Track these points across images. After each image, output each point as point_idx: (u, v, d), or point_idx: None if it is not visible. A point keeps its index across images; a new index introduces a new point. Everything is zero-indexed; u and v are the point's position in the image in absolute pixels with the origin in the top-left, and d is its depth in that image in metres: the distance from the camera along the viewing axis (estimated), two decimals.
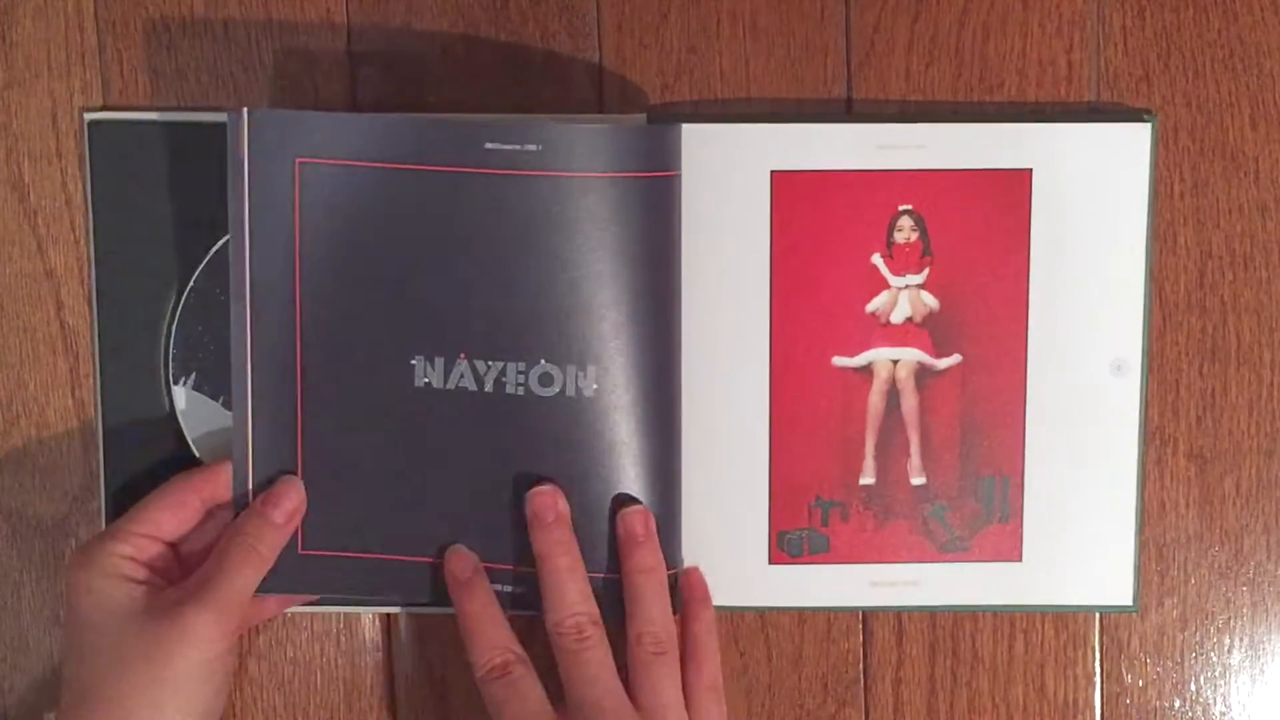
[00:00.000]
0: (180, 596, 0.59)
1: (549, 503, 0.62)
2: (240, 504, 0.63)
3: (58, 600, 0.67)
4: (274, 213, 0.62)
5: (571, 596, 0.61)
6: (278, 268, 0.62)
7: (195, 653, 0.58)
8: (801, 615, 0.67)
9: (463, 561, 0.62)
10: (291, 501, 0.62)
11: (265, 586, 0.63)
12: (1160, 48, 0.65)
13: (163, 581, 0.61)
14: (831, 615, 0.67)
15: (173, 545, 0.62)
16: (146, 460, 0.66)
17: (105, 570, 0.60)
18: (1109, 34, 0.65)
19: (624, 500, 0.62)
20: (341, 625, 0.67)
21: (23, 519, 0.67)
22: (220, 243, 0.65)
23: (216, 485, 0.63)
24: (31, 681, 0.68)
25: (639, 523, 0.62)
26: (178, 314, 0.65)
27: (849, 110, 0.65)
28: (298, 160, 0.61)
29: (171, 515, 0.62)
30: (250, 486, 0.63)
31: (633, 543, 0.62)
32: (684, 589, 0.64)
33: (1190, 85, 0.65)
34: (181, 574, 0.62)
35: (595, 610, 0.61)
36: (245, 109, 0.61)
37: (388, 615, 0.67)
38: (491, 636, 0.61)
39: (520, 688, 0.60)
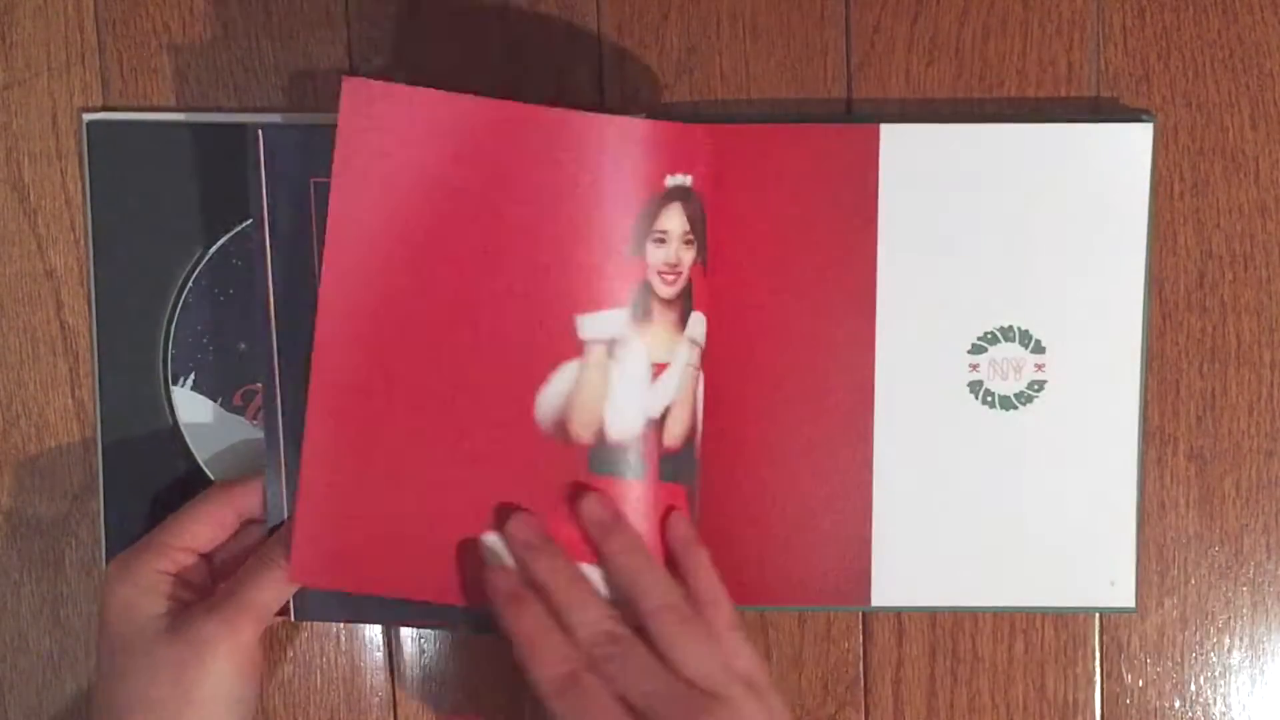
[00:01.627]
0: (197, 614, 0.59)
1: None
2: (275, 527, 0.63)
3: (58, 600, 0.67)
4: (292, 232, 0.61)
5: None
6: (299, 287, 0.62)
7: (215, 669, 0.58)
8: (801, 615, 0.67)
9: (505, 577, 0.59)
10: None
11: (303, 614, 0.63)
12: (1160, 48, 0.65)
13: (194, 597, 0.61)
14: (831, 615, 0.67)
15: (206, 557, 0.62)
16: (146, 460, 0.66)
17: (143, 587, 0.60)
18: (1109, 34, 0.65)
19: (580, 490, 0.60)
20: (341, 625, 0.67)
21: (23, 519, 0.67)
22: (219, 243, 0.65)
23: (251, 498, 0.63)
24: (31, 681, 0.68)
25: (605, 508, 0.59)
26: (176, 314, 0.65)
27: (849, 110, 0.65)
28: (313, 180, 0.61)
29: (208, 527, 0.62)
30: (284, 504, 0.63)
31: (601, 528, 0.59)
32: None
33: (1190, 85, 0.65)
34: (214, 588, 0.62)
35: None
36: (260, 127, 0.61)
37: None
38: (551, 647, 0.57)
39: (595, 696, 0.56)
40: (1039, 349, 0.64)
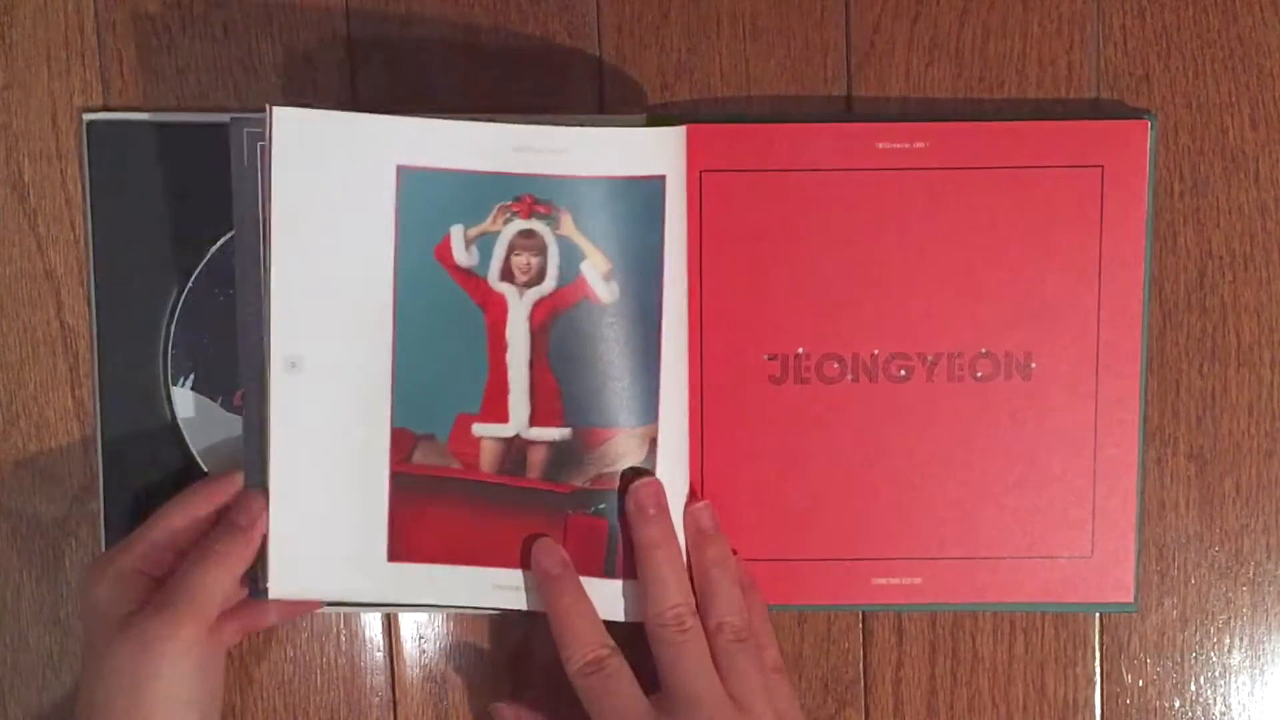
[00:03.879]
0: (141, 613, 0.59)
1: (654, 492, 0.62)
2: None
3: (58, 600, 0.67)
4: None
5: (672, 588, 0.61)
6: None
7: (166, 669, 0.57)
8: (801, 615, 0.67)
9: (551, 555, 0.62)
10: (254, 507, 0.61)
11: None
12: (1160, 48, 0.65)
13: None
14: (831, 615, 0.67)
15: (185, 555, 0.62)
16: (146, 460, 0.66)
17: (112, 584, 0.60)
18: (1109, 34, 0.65)
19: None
20: (341, 625, 0.67)
21: (23, 519, 0.67)
22: (219, 243, 0.65)
23: (230, 494, 0.62)
24: (31, 681, 0.68)
25: (705, 515, 0.63)
26: (177, 314, 0.65)
27: (849, 110, 0.65)
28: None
29: (185, 523, 0.61)
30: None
31: (703, 535, 0.62)
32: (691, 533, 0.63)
33: (1190, 85, 0.65)
34: None
35: (693, 602, 0.61)
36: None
37: (389, 615, 0.67)
38: (585, 632, 0.60)
39: (617, 682, 0.59)
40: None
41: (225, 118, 0.65)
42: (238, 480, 0.63)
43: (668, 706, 0.59)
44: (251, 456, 0.62)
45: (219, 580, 0.60)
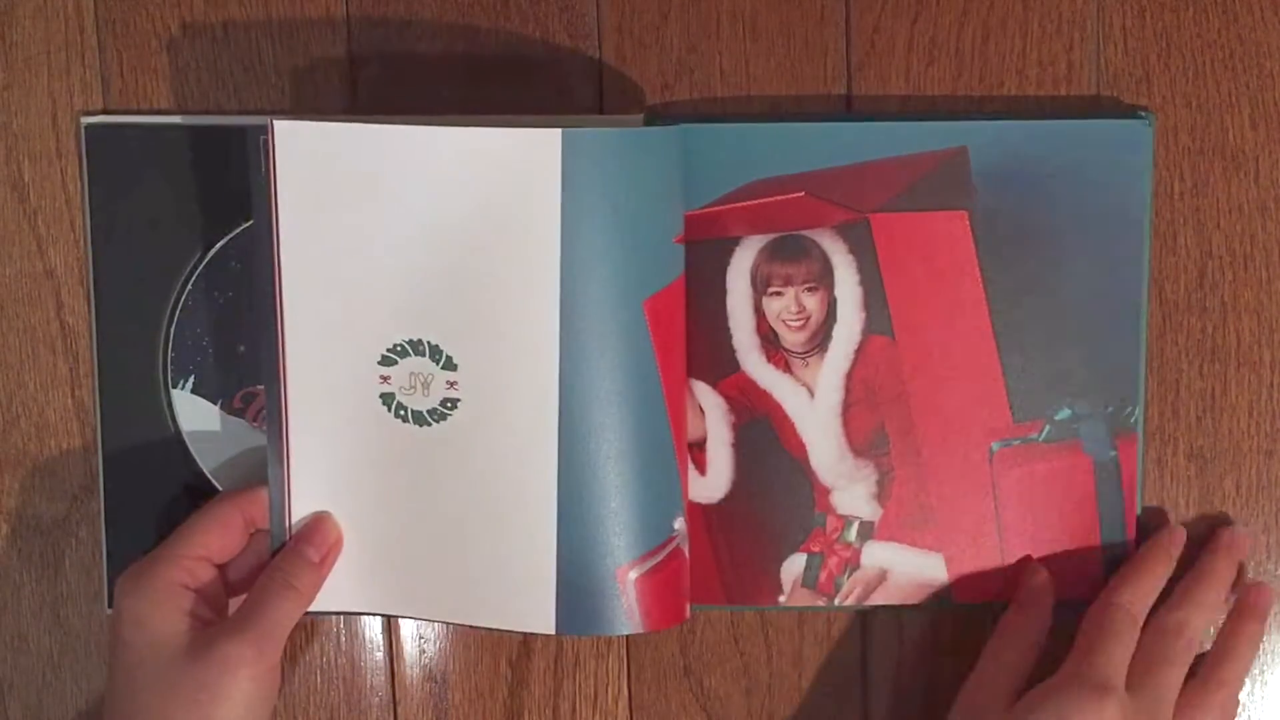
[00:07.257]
0: (222, 634, 0.59)
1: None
2: (278, 539, 0.62)
3: (58, 600, 0.67)
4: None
5: None
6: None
7: (238, 692, 0.58)
8: (801, 615, 0.67)
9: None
10: (327, 539, 0.62)
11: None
12: (1160, 48, 0.65)
13: (210, 612, 0.61)
14: (831, 615, 0.67)
15: (220, 569, 0.62)
16: (146, 461, 0.66)
17: (157, 599, 0.59)
18: (1109, 34, 0.65)
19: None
20: (341, 625, 0.67)
21: (23, 519, 0.67)
22: (218, 245, 0.65)
23: (259, 506, 0.62)
24: (32, 681, 0.68)
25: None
26: (176, 316, 0.65)
27: (849, 110, 0.65)
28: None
29: (219, 536, 0.61)
30: (286, 514, 0.62)
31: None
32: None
33: (1190, 85, 0.65)
34: (229, 599, 0.62)
35: None
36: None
37: (388, 615, 0.67)
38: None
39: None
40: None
41: (223, 120, 0.65)
42: (264, 494, 0.62)
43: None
44: (276, 464, 0.62)
45: (293, 611, 0.61)
